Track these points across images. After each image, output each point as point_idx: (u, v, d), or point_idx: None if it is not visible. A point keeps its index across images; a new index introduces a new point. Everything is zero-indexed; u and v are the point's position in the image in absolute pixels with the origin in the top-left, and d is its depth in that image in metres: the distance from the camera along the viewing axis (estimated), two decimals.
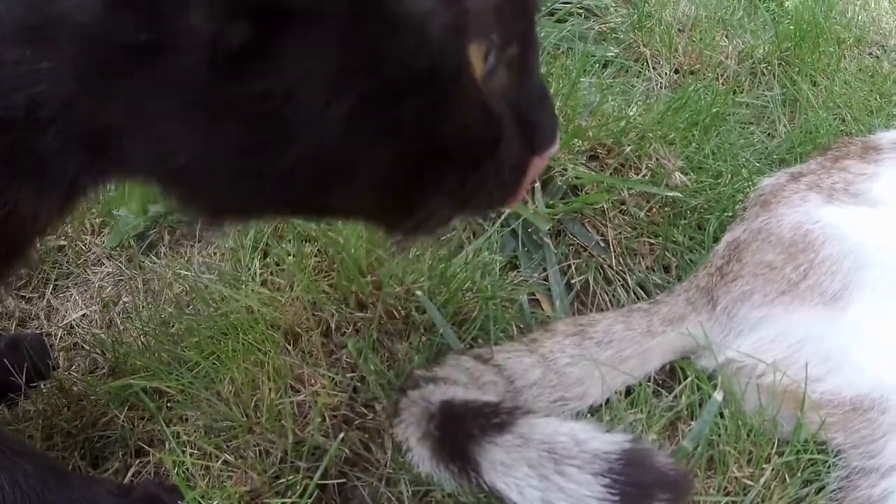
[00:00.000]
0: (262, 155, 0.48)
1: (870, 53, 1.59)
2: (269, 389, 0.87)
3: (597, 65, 1.35)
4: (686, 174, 1.11)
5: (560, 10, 1.50)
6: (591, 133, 1.14)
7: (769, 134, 1.29)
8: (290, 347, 0.92)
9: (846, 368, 0.88)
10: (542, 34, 1.40)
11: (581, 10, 1.51)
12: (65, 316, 1.10)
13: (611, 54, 1.38)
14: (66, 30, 0.44)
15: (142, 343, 0.98)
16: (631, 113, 1.18)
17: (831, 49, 1.48)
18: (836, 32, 1.55)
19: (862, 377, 0.88)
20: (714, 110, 1.17)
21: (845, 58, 1.51)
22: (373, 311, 0.94)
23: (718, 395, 0.86)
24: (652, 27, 1.45)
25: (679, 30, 1.48)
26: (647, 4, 1.51)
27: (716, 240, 1.06)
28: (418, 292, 0.92)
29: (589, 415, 0.90)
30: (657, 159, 1.11)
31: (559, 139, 0.62)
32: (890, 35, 1.64)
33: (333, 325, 0.94)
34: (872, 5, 1.73)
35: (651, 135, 1.13)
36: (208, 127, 0.47)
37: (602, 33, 1.47)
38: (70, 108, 0.47)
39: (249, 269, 1.01)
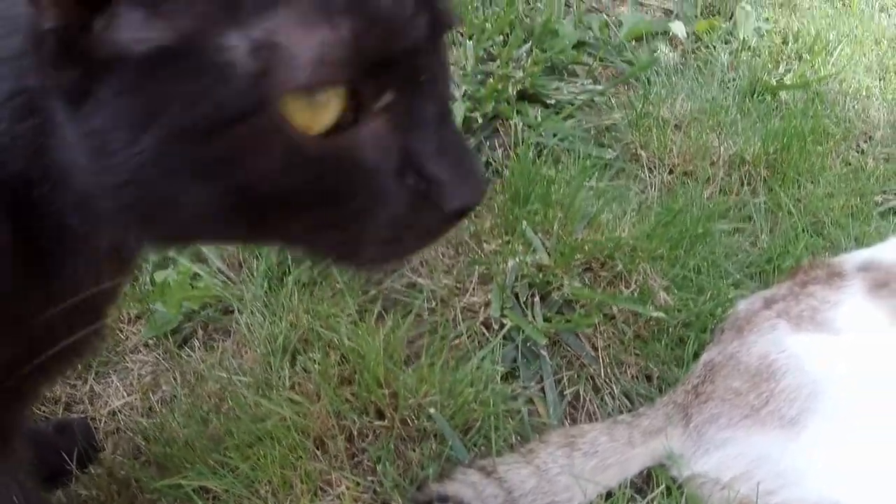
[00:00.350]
0: (109, 184, 0.59)
1: (856, 147, 1.83)
2: (302, 492, 1.12)
3: (596, 167, 1.59)
4: (671, 293, 1.35)
5: (569, 105, 1.74)
6: (587, 248, 1.39)
7: (752, 242, 1.53)
8: (318, 453, 1.16)
9: (797, 484, 1.13)
10: (550, 132, 1.64)
11: (587, 105, 1.76)
12: (107, 402, 1.33)
13: (609, 156, 1.62)
14: (35, 90, 0.59)
15: (183, 437, 1.21)
16: (623, 230, 1.42)
17: (819, 148, 1.72)
18: (825, 127, 1.79)
19: (810, 492, 1.12)
20: (700, 231, 1.42)
21: (832, 154, 1.76)
22: (390, 420, 1.19)
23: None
24: (649, 125, 1.69)
25: (676, 126, 1.73)
26: (646, 100, 1.75)
27: (695, 355, 1.30)
28: (431, 410, 1.16)
29: None
30: (645, 278, 1.36)
31: (472, 195, 0.63)
32: (877, 126, 1.89)
33: (356, 432, 1.18)
34: (863, 93, 1.97)
35: (641, 252, 1.38)
36: (85, 158, 0.59)
37: (602, 130, 1.71)
38: (54, 159, 0.61)
39: (279, 375, 1.25)
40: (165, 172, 0.57)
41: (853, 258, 1.39)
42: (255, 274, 1.41)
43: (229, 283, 1.42)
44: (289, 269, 1.39)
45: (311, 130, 0.57)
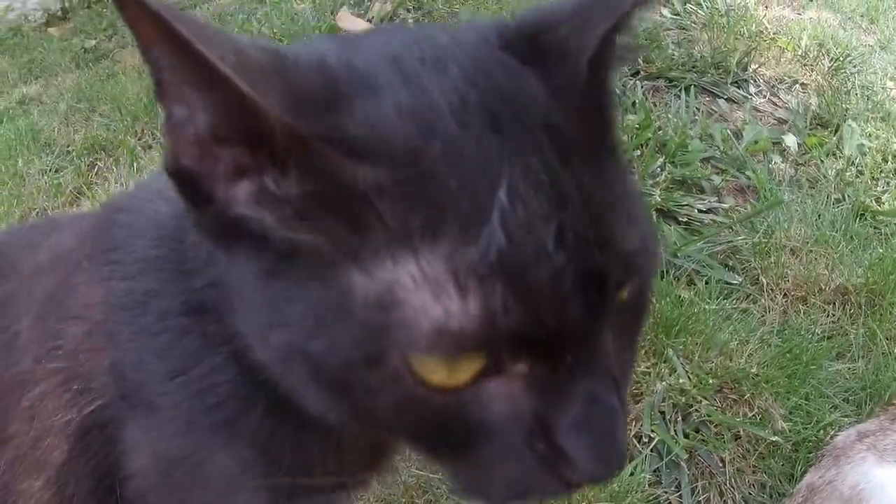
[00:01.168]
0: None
1: None
2: None
3: (724, 291, 2.02)
4: (787, 421, 1.80)
5: (698, 223, 2.17)
6: (719, 373, 1.83)
7: (850, 368, 1.97)
8: None
9: None
10: (684, 254, 2.07)
11: (713, 223, 2.18)
12: None
13: (735, 282, 2.06)
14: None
15: None
16: (748, 358, 1.86)
17: None
18: None
19: None
20: (812, 367, 1.86)
21: None
22: None
23: None
24: (769, 250, 2.12)
25: (791, 251, 2.15)
26: (766, 224, 2.18)
27: (802, 473, 1.75)
28: None
29: None
30: (766, 404, 1.81)
31: (601, 471, 0.63)
32: None
33: None
34: None
35: (765, 384, 1.82)
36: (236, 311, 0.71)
37: (728, 251, 2.14)
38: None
39: None
40: (288, 368, 0.65)
41: None
42: None
43: None
44: None
45: (439, 384, 0.59)
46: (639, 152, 2.28)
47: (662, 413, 1.82)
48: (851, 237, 2.22)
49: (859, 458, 1.70)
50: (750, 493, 1.77)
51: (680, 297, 1.96)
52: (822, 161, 2.46)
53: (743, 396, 1.84)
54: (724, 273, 2.08)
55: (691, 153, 2.30)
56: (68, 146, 2.83)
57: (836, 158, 2.49)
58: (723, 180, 2.32)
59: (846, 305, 2.09)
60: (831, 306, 2.08)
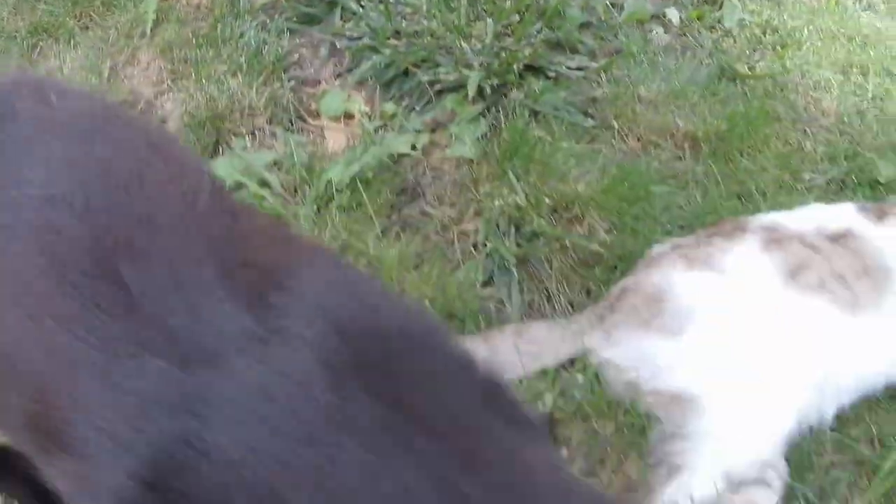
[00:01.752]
0: None
1: (803, 131, 2.43)
2: None
3: (577, 133, 2.24)
4: (610, 234, 2.01)
5: (567, 79, 2.38)
6: (554, 196, 2.05)
7: (688, 202, 2.17)
8: None
9: (670, 374, 1.80)
10: (547, 102, 2.29)
11: (583, 79, 2.40)
12: None
13: (588, 125, 2.27)
14: None
15: None
16: (585, 185, 2.08)
17: (767, 130, 2.34)
18: (777, 112, 2.40)
19: (678, 381, 1.79)
20: (642, 191, 2.07)
21: (776, 136, 2.37)
22: None
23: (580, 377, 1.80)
24: (627, 100, 2.33)
25: (650, 101, 2.36)
26: (629, 79, 2.39)
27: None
28: (426, 301, 1.85)
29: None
30: (592, 222, 2.02)
31: None
32: (827, 115, 2.49)
33: None
34: (822, 84, 2.57)
35: (593, 202, 2.04)
36: None
37: (590, 101, 2.35)
38: None
39: None
40: None
41: (761, 219, 2.01)
42: (306, 199, 2.09)
43: (288, 203, 2.11)
44: (333, 197, 2.08)
45: None
46: (518, 17, 2.49)
47: (498, 226, 2.04)
48: (713, 93, 2.42)
49: (668, 263, 1.91)
50: (576, 298, 1.99)
51: (525, 131, 2.18)
52: (699, 33, 2.65)
53: (575, 216, 2.06)
54: (579, 117, 2.29)
55: (568, 20, 2.50)
56: (15, 32, 3.10)
57: (715, 31, 2.68)
58: (598, 45, 2.52)
59: (694, 150, 2.29)
60: (681, 150, 2.29)
